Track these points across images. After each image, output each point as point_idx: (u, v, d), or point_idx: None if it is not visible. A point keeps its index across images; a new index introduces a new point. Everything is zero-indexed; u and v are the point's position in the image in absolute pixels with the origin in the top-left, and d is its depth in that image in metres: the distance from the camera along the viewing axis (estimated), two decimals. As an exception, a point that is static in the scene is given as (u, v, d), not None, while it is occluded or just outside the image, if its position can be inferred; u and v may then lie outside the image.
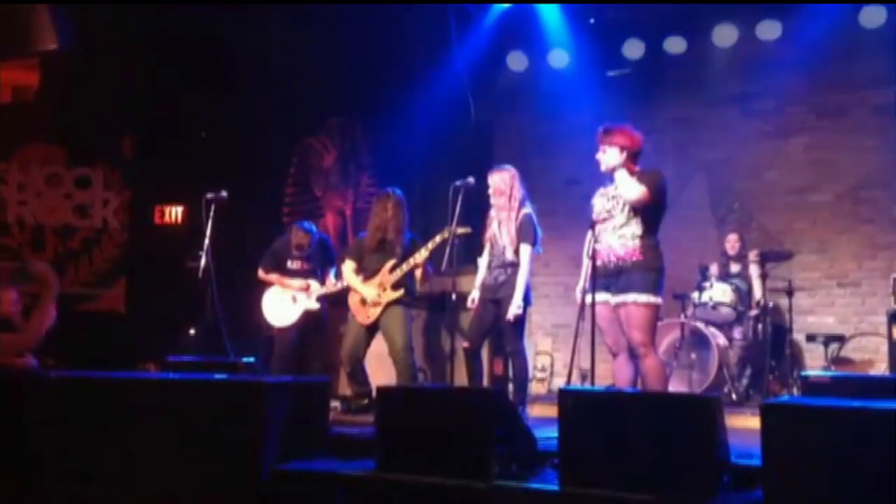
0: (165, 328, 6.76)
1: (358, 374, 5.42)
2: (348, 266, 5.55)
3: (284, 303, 5.96)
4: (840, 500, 2.57)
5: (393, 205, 5.42)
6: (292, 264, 6.07)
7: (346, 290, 5.64)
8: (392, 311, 5.33)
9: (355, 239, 6.06)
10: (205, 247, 5.21)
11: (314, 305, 5.92)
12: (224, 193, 5.39)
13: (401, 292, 5.33)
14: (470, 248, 5.59)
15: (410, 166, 6.85)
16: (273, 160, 7.64)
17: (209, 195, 5.38)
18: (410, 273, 5.35)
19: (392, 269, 5.35)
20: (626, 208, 4.33)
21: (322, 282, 6.00)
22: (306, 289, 5.93)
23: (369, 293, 5.38)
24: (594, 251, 4.28)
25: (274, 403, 3.51)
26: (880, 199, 6.76)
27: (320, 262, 6.08)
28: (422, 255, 5.26)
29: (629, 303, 4.25)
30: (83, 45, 6.39)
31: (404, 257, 5.33)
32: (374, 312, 5.37)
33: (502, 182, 5.06)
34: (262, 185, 7.35)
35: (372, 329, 5.43)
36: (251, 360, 4.24)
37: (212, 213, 5.32)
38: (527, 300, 5.01)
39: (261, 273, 6.05)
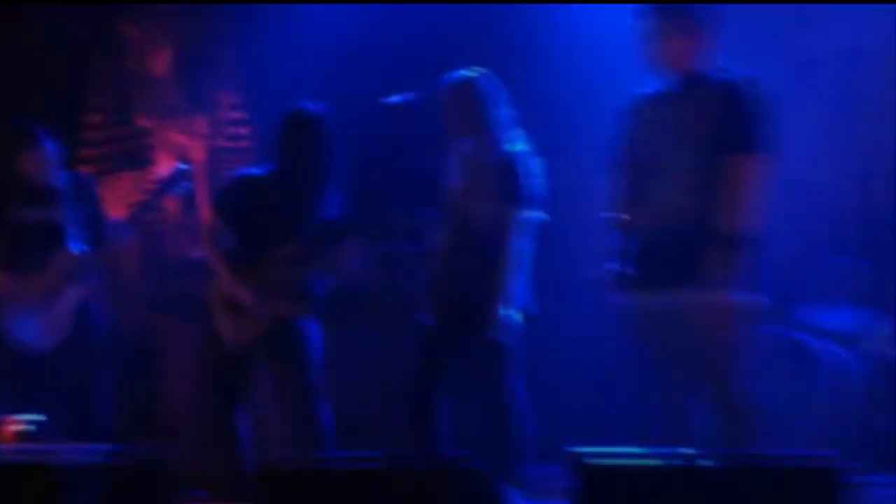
0: None
1: (226, 438, 3.73)
2: (212, 236, 3.72)
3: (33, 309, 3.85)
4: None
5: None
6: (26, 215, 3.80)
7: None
8: (285, 329, 3.62)
9: (230, 181, 3.95)
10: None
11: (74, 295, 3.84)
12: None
13: (300, 299, 3.62)
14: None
15: (304, 81, 4.83)
16: (56, 71, 4.81)
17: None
18: (321, 267, 3.65)
19: (288, 259, 3.63)
20: None
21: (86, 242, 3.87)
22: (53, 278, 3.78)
23: (247, 295, 3.71)
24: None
25: (76, 496, 2.51)
26: None
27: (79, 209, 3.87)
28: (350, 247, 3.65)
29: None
30: None
31: (313, 241, 3.57)
32: (254, 328, 3.67)
33: (460, 97, 3.47)
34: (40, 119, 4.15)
35: (250, 357, 3.68)
36: (40, 417, 2.68)
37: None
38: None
39: None
